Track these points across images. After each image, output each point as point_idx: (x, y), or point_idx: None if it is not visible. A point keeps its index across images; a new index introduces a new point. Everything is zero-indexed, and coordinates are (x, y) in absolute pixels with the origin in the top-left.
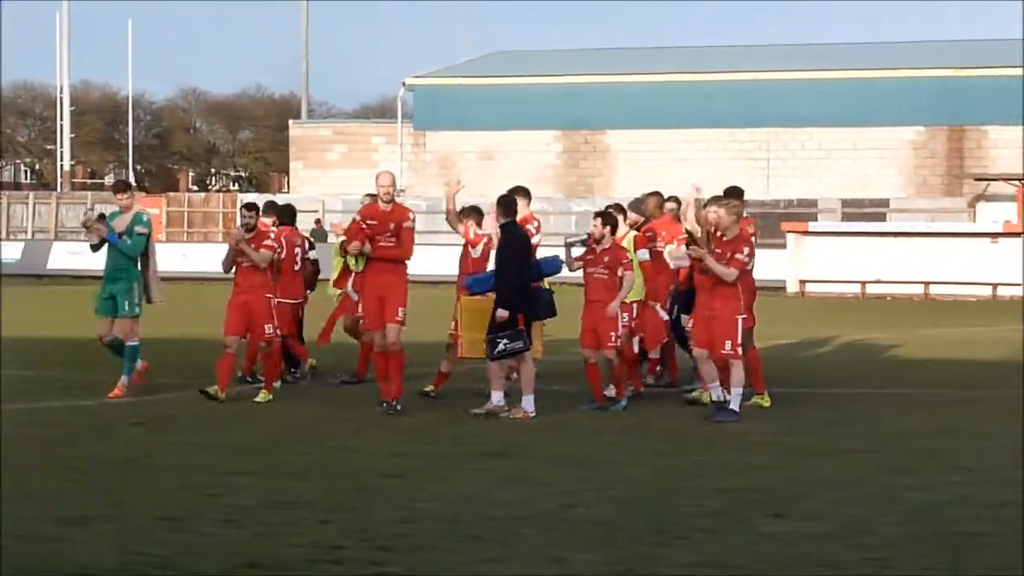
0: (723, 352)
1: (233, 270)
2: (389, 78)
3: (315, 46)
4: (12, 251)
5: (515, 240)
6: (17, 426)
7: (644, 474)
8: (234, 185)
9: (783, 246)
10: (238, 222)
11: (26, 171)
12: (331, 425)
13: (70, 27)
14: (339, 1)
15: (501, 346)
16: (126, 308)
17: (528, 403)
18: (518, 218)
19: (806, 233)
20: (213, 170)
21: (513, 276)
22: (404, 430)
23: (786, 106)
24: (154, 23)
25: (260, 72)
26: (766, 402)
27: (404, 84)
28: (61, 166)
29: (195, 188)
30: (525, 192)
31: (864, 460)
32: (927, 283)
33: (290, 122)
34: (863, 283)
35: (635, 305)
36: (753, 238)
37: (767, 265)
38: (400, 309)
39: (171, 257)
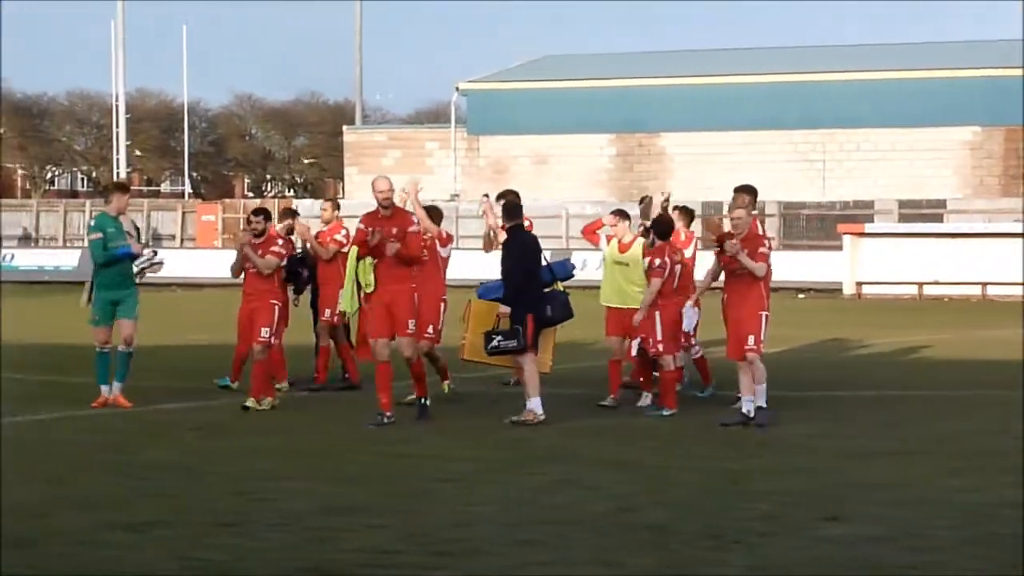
0: (746, 348)
1: (243, 276)
2: (442, 83)
3: (368, 52)
4: (70, 258)
5: (522, 243)
6: (73, 431)
7: (697, 478)
8: (289, 191)
9: (839, 248)
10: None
11: (83, 179)
12: (382, 430)
13: (125, 35)
14: (393, 2)
15: (495, 342)
16: (136, 312)
17: (535, 404)
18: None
19: (862, 235)
20: (269, 176)
21: (519, 277)
22: (456, 435)
23: (842, 107)
24: (209, 30)
25: (315, 78)
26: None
27: (457, 89)
28: (117, 173)
29: (251, 194)
30: (515, 196)
31: (918, 462)
32: (984, 284)
33: (344, 128)
34: (920, 284)
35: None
36: (767, 240)
37: (823, 267)
38: (410, 321)
39: (227, 263)
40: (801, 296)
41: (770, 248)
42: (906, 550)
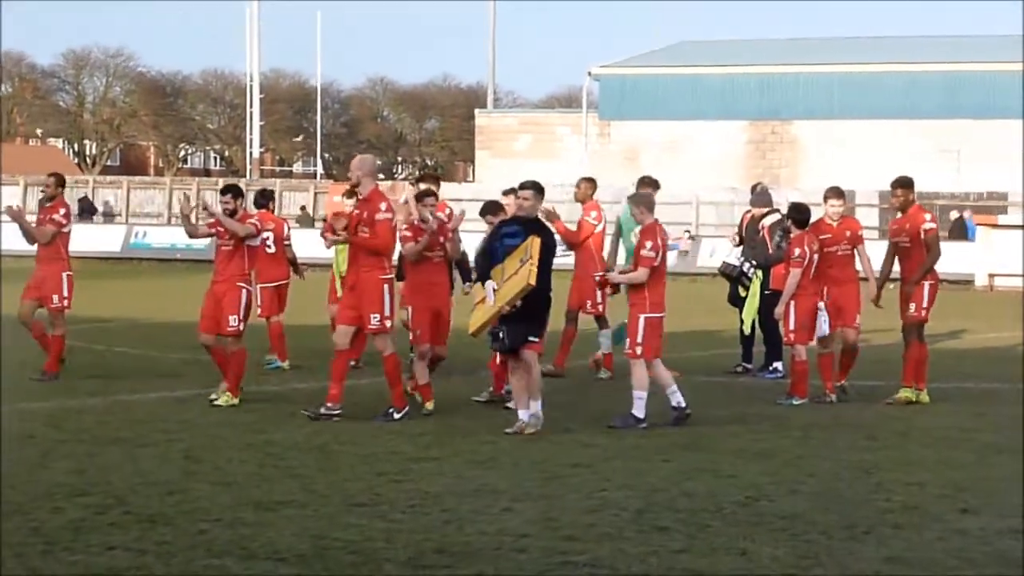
0: (625, 351)
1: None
2: (575, 67)
3: (502, 36)
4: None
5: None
6: (207, 410)
7: (832, 468)
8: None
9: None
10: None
11: (215, 157)
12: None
13: (260, 17)
14: None
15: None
16: None
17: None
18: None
19: (995, 226)
20: (400, 159)
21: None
22: (592, 420)
23: (977, 97)
24: (343, 13)
25: (448, 62)
26: (925, 399)
27: (590, 73)
28: (250, 153)
29: (382, 176)
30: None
31: None
32: None
33: (476, 111)
34: None
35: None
36: (933, 225)
37: (956, 259)
38: (373, 316)
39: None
40: None
41: (655, 249)
42: None
